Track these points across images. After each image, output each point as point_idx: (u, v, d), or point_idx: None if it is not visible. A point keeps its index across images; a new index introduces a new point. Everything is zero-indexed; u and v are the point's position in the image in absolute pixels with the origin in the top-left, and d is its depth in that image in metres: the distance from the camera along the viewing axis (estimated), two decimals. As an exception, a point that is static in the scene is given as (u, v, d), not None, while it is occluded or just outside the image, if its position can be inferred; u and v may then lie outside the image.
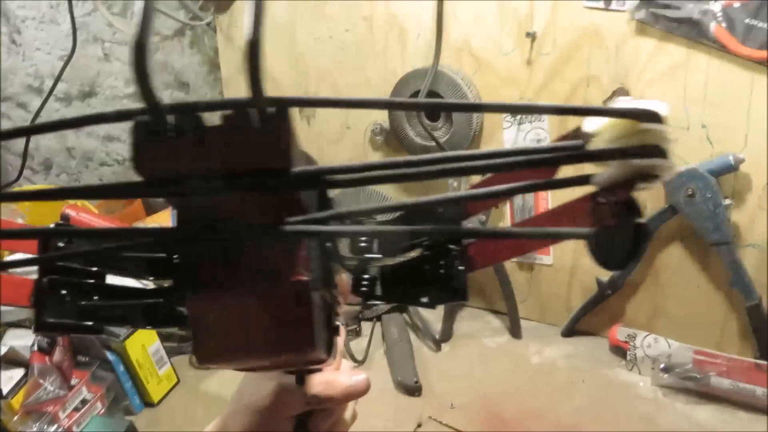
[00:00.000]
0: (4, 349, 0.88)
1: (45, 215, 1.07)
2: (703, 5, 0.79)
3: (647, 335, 0.97)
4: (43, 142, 1.48)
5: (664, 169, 0.24)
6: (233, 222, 0.26)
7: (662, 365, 0.94)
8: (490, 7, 0.92)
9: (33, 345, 0.88)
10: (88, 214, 1.00)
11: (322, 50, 1.06)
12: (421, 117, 1.00)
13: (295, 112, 1.14)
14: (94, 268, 0.33)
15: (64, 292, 0.31)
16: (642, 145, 0.24)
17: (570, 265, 1.04)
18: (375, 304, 0.41)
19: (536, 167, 0.25)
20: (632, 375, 0.98)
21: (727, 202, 0.86)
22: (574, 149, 0.26)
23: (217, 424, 0.44)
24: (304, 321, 0.29)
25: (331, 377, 0.44)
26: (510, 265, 1.07)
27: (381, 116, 1.06)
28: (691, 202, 0.88)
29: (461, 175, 0.24)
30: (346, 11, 1.02)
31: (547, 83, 0.93)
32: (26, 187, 1.43)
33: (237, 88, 1.15)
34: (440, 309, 1.09)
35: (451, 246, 0.37)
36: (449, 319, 1.09)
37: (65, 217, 0.98)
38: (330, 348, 0.37)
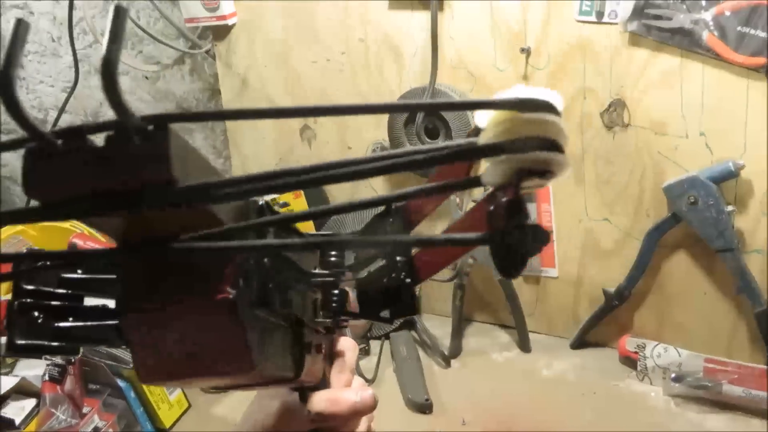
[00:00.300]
0: (15, 380, 0.89)
1: (53, 245, 1.08)
2: (694, 15, 0.80)
3: (657, 345, 0.97)
4: (49, 173, 1.50)
5: (556, 162, 0.22)
6: (132, 242, 0.26)
7: (673, 374, 0.93)
8: (483, 24, 0.93)
9: (44, 375, 0.88)
10: (95, 243, 1.01)
11: (320, 73, 1.07)
12: (421, 135, 1.01)
13: (295, 134, 1.15)
14: (68, 291, 0.33)
15: (36, 314, 0.32)
16: (522, 137, 0.22)
17: (576, 277, 1.04)
18: (345, 320, 0.41)
19: (410, 170, 0.24)
20: (643, 385, 0.97)
21: (730, 208, 0.86)
22: (459, 147, 0.23)
23: None
24: (236, 340, 0.28)
25: (337, 394, 0.43)
26: (516, 279, 1.07)
27: (381, 135, 1.07)
28: (694, 210, 0.88)
29: (345, 181, 0.24)
30: (341, 34, 1.03)
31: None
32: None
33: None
34: (448, 325, 1.09)
35: (398, 258, 0.37)
36: (457, 335, 1.09)
37: (73, 247, 0.99)
38: (298, 366, 0.36)
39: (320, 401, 0.42)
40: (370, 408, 0.44)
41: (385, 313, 0.39)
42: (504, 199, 0.23)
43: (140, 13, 1.20)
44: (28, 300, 0.32)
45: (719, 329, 0.96)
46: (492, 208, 0.23)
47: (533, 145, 0.22)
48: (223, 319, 0.28)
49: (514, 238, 0.23)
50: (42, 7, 1.30)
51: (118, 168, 0.22)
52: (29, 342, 0.32)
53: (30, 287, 0.32)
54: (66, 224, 1.09)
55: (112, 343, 0.33)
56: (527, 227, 0.23)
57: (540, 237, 0.23)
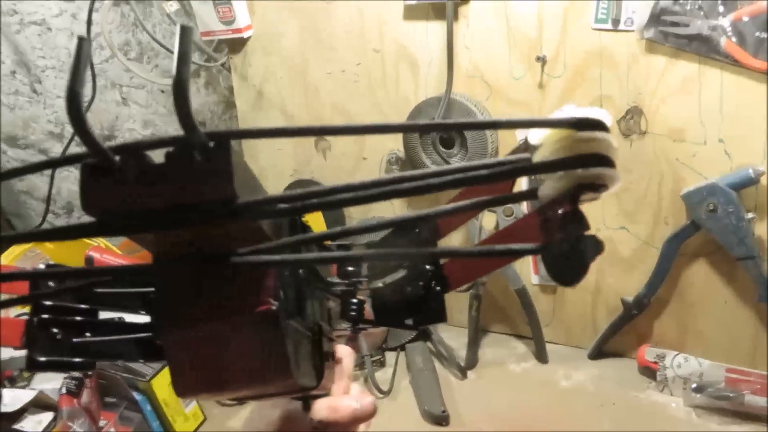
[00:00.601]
0: (33, 393, 0.89)
1: (70, 258, 1.08)
2: (712, 21, 0.80)
3: (677, 354, 0.95)
4: (65, 185, 1.51)
5: (609, 178, 0.24)
6: (186, 255, 0.26)
7: (694, 385, 0.92)
8: (498, 33, 0.93)
9: (61, 388, 0.88)
10: (111, 255, 1.01)
11: (336, 84, 1.08)
12: (436, 144, 1.01)
13: (310, 145, 1.15)
14: (85, 305, 0.33)
15: (55, 330, 0.32)
16: (582, 154, 0.24)
17: (593, 286, 1.03)
18: (364, 328, 0.42)
19: (477, 184, 0.25)
20: (664, 396, 0.96)
21: (750, 215, 0.85)
22: (517, 163, 0.25)
23: None
24: (276, 350, 0.29)
25: (337, 401, 0.43)
26: (533, 288, 1.06)
27: (396, 145, 1.07)
28: (714, 217, 0.87)
29: (401, 197, 0.24)
30: (356, 45, 1.04)
31: (560, 106, 0.94)
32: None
33: (253, 125, 1.17)
34: (464, 336, 1.08)
35: (428, 267, 0.37)
36: (473, 346, 1.08)
37: (89, 260, 1.00)
38: (319, 375, 0.37)
39: (322, 409, 0.43)
40: (370, 414, 0.44)
41: (409, 321, 0.39)
42: (565, 211, 0.24)
43: (156, 27, 1.21)
44: (47, 316, 0.32)
45: (741, 338, 0.94)
46: (550, 219, 0.25)
47: (594, 162, 0.23)
48: (265, 329, 0.28)
49: (575, 248, 0.24)
50: (60, 24, 1.31)
51: (179, 184, 0.23)
52: (49, 358, 0.32)
53: (48, 303, 0.32)
54: (83, 236, 1.09)
55: (130, 358, 0.33)
56: (587, 237, 0.24)
57: (598, 246, 0.24)
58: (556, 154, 0.24)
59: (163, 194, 0.23)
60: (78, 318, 0.33)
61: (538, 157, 0.25)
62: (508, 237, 0.34)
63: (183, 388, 0.29)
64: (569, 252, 0.24)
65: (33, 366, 0.31)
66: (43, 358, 0.31)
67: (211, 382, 0.29)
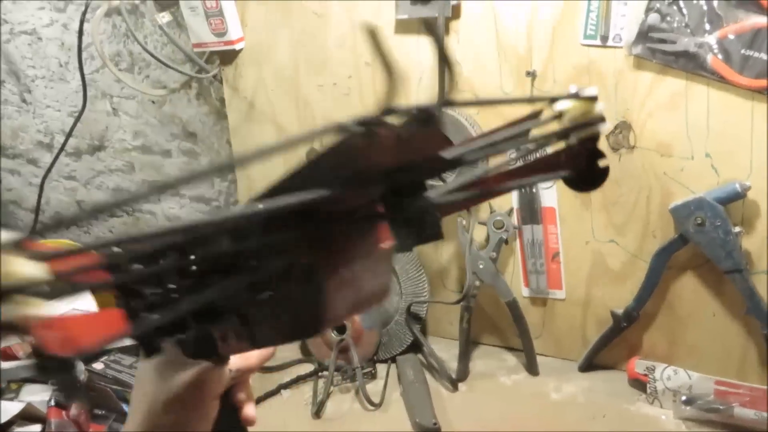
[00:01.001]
0: (21, 405, 0.88)
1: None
2: (698, 38, 0.81)
3: (666, 367, 0.96)
4: (53, 196, 1.50)
5: (604, 127, 0.41)
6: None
7: (684, 397, 0.93)
8: (489, 48, 0.94)
9: (50, 400, 0.87)
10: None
11: (327, 97, 1.08)
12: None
13: (301, 157, 1.15)
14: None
15: (144, 314, 0.33)
16: (600, 116, 0.41)
17: (583, 299, 1.04)
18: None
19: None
20: (654, 408, 0.96)
21: (737, 229, 0.87)
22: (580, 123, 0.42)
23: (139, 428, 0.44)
24: (389, 275, 0.37)
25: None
26: (523, 301, 1.07)
27: (387, 158, 1.07)
28: (701, 231, 0.88)
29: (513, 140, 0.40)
30: (348, 58, 1.04)
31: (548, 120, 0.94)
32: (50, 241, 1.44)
33: (244, 137, 1.17)
34: (455, 348, 1.08)
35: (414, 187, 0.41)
36: (464, 358, 1.08)
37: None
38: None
39: (236, 359, 0.48)
40: (270, 355, 0.52)
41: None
42: (590, 148, 0.42)
43: (147, 38, 1.21)
44: (148, 300, 0.34)
45: (730, 351, 0.95)
46: (579, 153, 0.42)
47: (603, 120, 0.41)
48: (385, 260, 0.36)
49: (601, 168, 0.42)
50: (50, 33, 1.31)
51: (418, 145, 0.32)
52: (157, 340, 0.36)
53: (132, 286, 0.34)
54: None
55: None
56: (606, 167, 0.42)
57: (608, 167, 0.42)
58: (583, 117, 0.40)
59: (407, 153, 0.32)
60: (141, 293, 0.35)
61: (567, 118, 0.41)
62: (537, 169, 0.46)
63: (332, 315, 0.34)
64: (597, 171, 0.42)
65: (155, 351, 0.37)
66: (161, 341, 0.36)
67: (352, 307, 0.36)
